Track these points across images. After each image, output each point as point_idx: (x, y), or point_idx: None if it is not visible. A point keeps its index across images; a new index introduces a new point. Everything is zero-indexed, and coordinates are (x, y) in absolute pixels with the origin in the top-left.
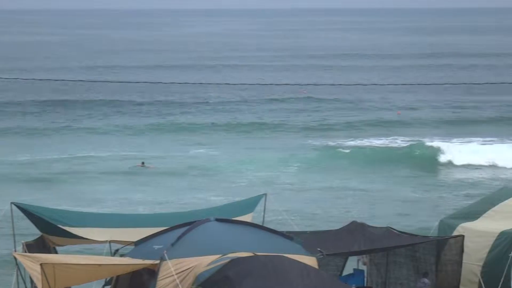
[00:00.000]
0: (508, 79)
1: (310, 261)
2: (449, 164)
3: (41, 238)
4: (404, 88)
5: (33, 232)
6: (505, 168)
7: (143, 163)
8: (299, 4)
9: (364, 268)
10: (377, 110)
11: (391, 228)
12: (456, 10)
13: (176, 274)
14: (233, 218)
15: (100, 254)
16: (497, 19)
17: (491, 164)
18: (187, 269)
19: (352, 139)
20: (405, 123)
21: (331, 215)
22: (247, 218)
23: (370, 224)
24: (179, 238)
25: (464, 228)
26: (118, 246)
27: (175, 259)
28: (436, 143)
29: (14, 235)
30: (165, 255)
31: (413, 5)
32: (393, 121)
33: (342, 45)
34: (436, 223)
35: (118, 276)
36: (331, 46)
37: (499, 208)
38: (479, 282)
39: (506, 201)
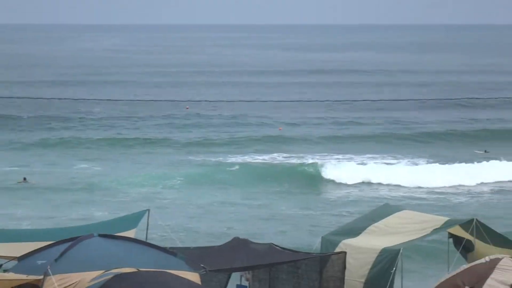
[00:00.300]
0: (389, 96)
1: (193, 277)
2: (330, 181)
3: None
4: (286, 104)
5: None
6: (386, 185)
7: (24, 178)
8: (186, 21)
9: (247, 284)
10: (259, 126)
11: (273, 244)
12: (344, 27)
13: None
14: (116, 234)
15: None
16: (381, 36)
17: (371, 181)
18: (71, 284)
19: (235, 155)
20: (287, 140)
21: (214, 231)
22: (130, 233)
23: (253, 240)
24: (62, 253)
25: (346, 244)
26: (1, 261)
27: (58, 275)
28: (317, 160)
29: None
30: (49, 270)
31: (303, 22)
32: (275, 137)
33: (228, 61)
34: (318, 240)
35: None
36: (216, 62)
37: (380, 225)
38: None
39: (388, 217)
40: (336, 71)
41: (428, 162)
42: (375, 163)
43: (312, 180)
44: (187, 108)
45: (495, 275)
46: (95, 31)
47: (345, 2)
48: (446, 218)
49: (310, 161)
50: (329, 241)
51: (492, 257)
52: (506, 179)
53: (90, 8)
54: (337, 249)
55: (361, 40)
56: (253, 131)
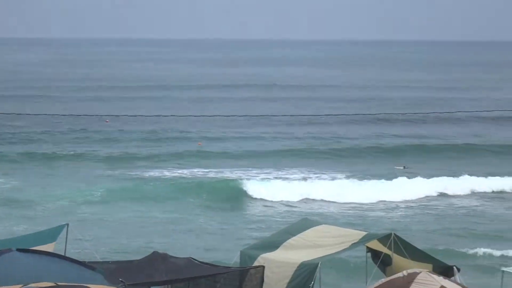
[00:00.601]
0: (310, 111)
1: None
2: (250, 196)
3: None
4: (206, 119)
5: None
6: (306, 199)
7: None
8: (99, 35)
9: None
10: (179, 141)
11: (192, 258)
12: (264, 42)
13: None
14: (34, 248)
15: None
16: (304, 51)
17: (291, 196)
18: None
19: (154, 169)
20: (207, 154)
21: (134, 246)
22: (49, 248)
23: (172, 254)
24: None
25: (264, 258)
26: None
27: None
28: (237, 175)
29: None
30: None
31: (226, 36)
32: (194, 152)
33: (148, 76)
34: (237, 254)
35: None
36: (136, 77)
37: (298, 239)
38: None
39: (306, 231)
40: (256, 86)
41: (347, 177)
42: (295, 178)
43: (232, 195)
44: (107, 121)
45: None
46: (24, 44)
47: (266, 17)
48: (364, 233)
49: (230, 176)
50: (248, 255)
51: (410, 271)
52: (424, 195)
53: (21, 21)
54: (256, 263)
55: (282, 55)
56: (173, 145)
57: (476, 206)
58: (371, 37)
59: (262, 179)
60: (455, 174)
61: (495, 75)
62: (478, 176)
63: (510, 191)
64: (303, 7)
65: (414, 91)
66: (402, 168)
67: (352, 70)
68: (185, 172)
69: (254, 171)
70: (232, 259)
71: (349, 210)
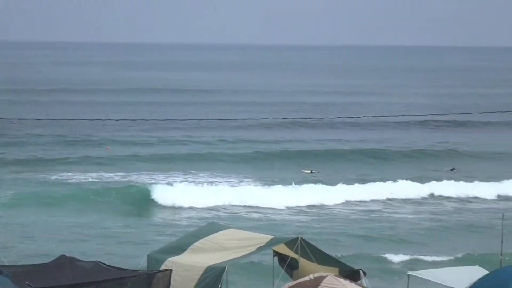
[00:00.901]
0: (216, 115)
1: None
2: (158, 200)
3: None
4: (115, 123)
5: None
6: (214, 205)
7: None
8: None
9: None
10: (87, 145)
11: (100, 262)
12: (180, 46)
13: None
14: None
15: None
16: (222, 55)
17: (199, 201)
18: None
19: (62, 173)
20: (114, 158)
21: (41, 249)
22: None
23: (80, 258)
24: None
25: (171, 262)
26: None
27: None
28: (145, 180)
29: None
30: None
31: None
32: (102, 157)
33: (53, 79)
34: (145, 258)
35: None
36: (40, 80)
37: (205, 242)
38: None
39: (213, 235)
40: (165, 90)
41: (255, 181)
42: (202, 182)
43: (139, 199)
44: (14, 123)
45: None
46: None
47: (195, 21)
48: (271, 236)
49: (137, 180)
50: (155, 259)
51: (317, 275)
52: (330, 199)
53: None
54: (163, 267)
55: (195, 59)
56: (81, 149)
57: (382, 210)
58: (290, 42)
59: (169, 183)
60: (361, 178)
61: (410, 80)
62: (384, 181)
63: (415, 196)
64: (222, 10)
65: (323, 96)
66: (309, 172)
67: (264, 74)
68: (93, 176)
69: (162, 175)
70: (140, 262)
71: (256, 214)
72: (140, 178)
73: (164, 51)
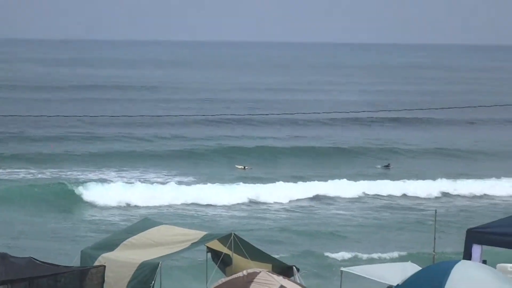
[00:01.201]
0: (149, 112)
1: None
2: (89, 197)
3: None
4: (50, 119)
5: None
6: (147, 203)
7: None
8: None
9: None
10: (29, 143)
11: (33, 258)
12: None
13: None
14: None
15: None
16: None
17: (130, 198)
18: None
19: None
20: (48, 156)
21: None
22: None
23: (12, 254)
24: None
25: (105, 258)
26: None
27: None
28: (76, 177)
29: None
30: None
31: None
32: (33, 153)
33: None
34: (78, 254)
35: None
36: None
37: (139, 238)
38: None
39: (147, 231)
40: (101, 86)
41: (188, 177)
42: (136, 180)
43: (72, 196)
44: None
45: None
46: None
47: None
48: (205, 233)
49: (70, 177)
50: (89, 255)
51: (250, 271)
52: (264, 195)
53: None
54: (96, 263)
55: (133, 56)
56: (21, 148)
57: (316, 208)
58: (224, 38)
59: (103, 180)
60: (296, 175)
61: (346, 77)
62: (318, 178)
63: (349, 193)
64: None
65: (258, 93)
66: (242, 168)
67: (199, 72)
68: (24, 173)
69: (95, 173)
70: (73, 259)
71: (190, 210)
72: (73, 175)
73: (104, 48)
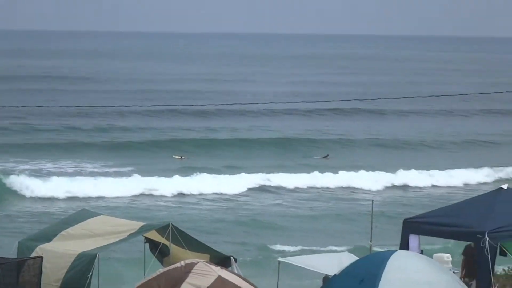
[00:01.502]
0: (79, 102)
1: None
2: (23, 189)
3: None
4: None
5: None
6: (85, 195)
7: None
8: None
9: None
10: None
11: None
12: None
13: None
14: None
15: None
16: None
17: (64, 190)
18: None
19: None
20: None
21: None
22: None
23: None
24: None
25: (42, 249)
26: None
27: None
28: (11, 168)
29: None
30: None
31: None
32: None
33: None
34: (15, 245)
35: None
36: None
37: (76, 229)
38: None
39: (84, 222)
40: (39, 77)
41: (124, 167)
42: (69, 171)
43: (5, 188)
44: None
45: (190, 279)
46: None
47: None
48: (142, 223)
49: (4, 169)
50: (26, 246)
51: (188, 261)
52: (201, 186)
53: None
54: (34, 254)
55: (74, 46)
56: None
57: (253, 199)
58: (169, 29)
59: (38, 171)
60: (233, 166)
61: (283, 68)
62: (256, 170)
63: (287, 184)
64: None
65: (193, 83)
66: (179, 158)
67: (143, 63)
68: None
69: (30, 164)
70: (10, 250)
71: (128, 201)
72: (6, 166)
73: (46, 38)
